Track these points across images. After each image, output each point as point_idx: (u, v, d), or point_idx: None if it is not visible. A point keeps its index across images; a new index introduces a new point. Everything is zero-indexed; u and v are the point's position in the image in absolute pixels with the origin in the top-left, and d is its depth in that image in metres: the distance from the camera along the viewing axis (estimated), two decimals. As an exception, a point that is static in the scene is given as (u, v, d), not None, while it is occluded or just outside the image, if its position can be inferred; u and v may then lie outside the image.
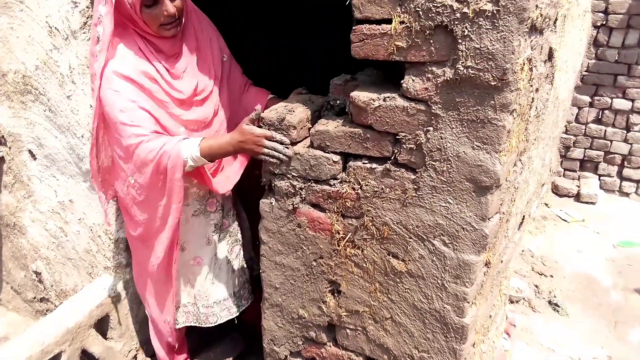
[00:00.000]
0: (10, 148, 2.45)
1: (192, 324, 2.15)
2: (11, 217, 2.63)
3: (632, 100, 4.04)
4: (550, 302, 2.84)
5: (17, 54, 2.15)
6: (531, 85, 1.42)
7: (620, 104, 4.08)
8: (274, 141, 1.56)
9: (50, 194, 2.42)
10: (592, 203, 4.12)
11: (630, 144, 4.16)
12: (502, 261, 1.79)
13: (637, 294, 2.95)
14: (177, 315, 2.12)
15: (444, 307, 1.47)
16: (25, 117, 2.29)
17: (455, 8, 1.18)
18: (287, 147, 1.56)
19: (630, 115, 4.09)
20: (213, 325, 2.15)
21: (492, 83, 1.21)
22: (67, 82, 2.06)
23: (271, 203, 1.66)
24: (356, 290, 1.61)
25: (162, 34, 1.72)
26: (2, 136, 2.44)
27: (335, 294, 1.67)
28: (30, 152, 2.38)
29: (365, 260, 1.56)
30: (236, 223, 2.19)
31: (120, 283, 2.36)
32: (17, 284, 2.83)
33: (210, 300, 2.13)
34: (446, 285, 1.45)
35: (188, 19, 1.83)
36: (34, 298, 2.79)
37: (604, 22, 3.93)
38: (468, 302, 1.44)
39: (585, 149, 4.36)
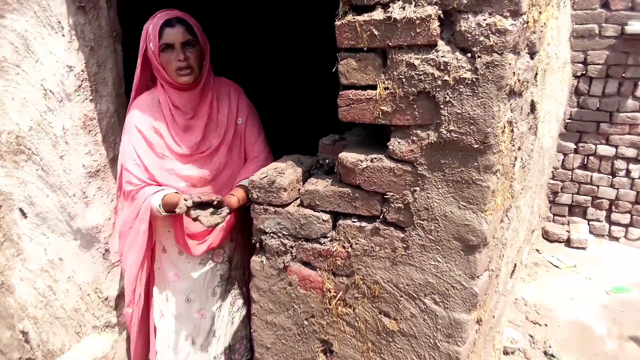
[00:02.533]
0: (1, 206, 2.45)
1: None
2: (-1, 276, 2.60)
3: (616, 147, 4.12)
4: (545, 353, 2.81)
5: (11, 115, 2.18)
6: (513, 145, 1.46)
7: (604, 150, 4.17)
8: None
9: (40, 252, 2.40)
10: (582, 248, 4.13)
11: (617, 188, 4.22)
12: (494, 316, 1.79)
13: (633, 342, 2.93)
14: None
15: (437, 367, 1.46)
16: (17, 176, 2.31)
17: (436, 76, 1.23)
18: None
19: (614, 161, 4.17)
20: None
21: (475, 146, 1.25)
22: (61, 142, 2.09)
23: (262, 261, 1.66)
24: (348, 350, 1.60)
25: (177, 80, 1.87)
26: (-6, 195, 2.45)
27: (328, 354, 1.65)
28: (20, 210, 2.39)
29: (357, 319, 1.55)
30: (242, 275, 2.21)
31: (108, 343, 2.31)
32: (3, 343, 2.77)
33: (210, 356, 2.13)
34: (438, 344, 1.44)
35: (207, 82, 1.98)
36: (20, 358, 2.72)
37: (584, 72, 4.07)
38: (461, 362, 1.43)
39: (573, 194, 4.42)
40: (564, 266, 3.84)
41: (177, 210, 1.74)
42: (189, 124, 1.97)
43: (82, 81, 1.97)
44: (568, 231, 4.29)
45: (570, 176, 4.40)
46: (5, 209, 2.43)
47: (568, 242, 4.21)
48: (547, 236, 4.34)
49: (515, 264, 2.81)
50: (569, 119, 4.26)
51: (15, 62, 2.05)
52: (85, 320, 2.37)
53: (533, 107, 1.89)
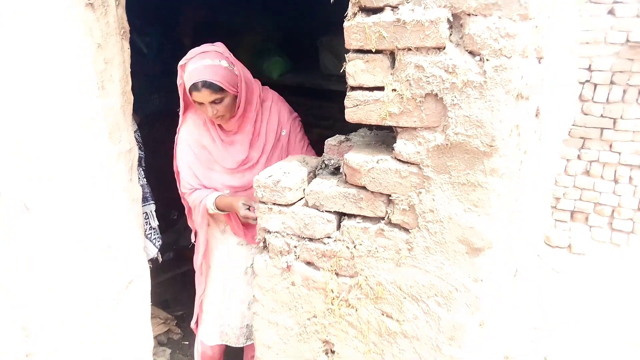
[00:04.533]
0: None
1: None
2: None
3: (619, 153, 4.12)
4: (546, 359, 2.81)
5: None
6: (519, 149, 1.47)
7: (608, 156, 4.17)
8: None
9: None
10: (583, 254, 4.14)
11: (619, 195, 4.22)
12: (496, 320, 1.79)
13: (637, 348, 2.92)
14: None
15: (439, 369, 1.47)
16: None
17: (444, 78, 1.24)
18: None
19: (617, 168, 4.17)
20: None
21: (482, 149, 1.25)
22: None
23: (265, 260, 1.67)
24: (350, 351, 1.60)
25: (214, 120, 2.13)
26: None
27: (329, 354, 1.65)
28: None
29: (360, 320, 1.56)
30: None
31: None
32: None
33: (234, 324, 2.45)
34: (441, 346, 1.45)
35: (247, 107, 2.16)
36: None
37: (589, 79, 4.07)
38: (463, 365, 1.43)
39: (575, 200, 4.42)
40: (565, 273, 3.84)
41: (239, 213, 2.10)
42: (233, 140, 2.20)
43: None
44: (570, 237, 4.29)
45: (572, 182, 4.40)
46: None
47: (569, 249, 4.21)
48: (548, 242, 4.34)
49: (517, 270, 2.81)
50: (572, 125, 4.26)
51: (23, 57, 2.05)
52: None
53: (538, 112, 1.89)
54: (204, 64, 1.98)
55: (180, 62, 2.06)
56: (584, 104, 4.16)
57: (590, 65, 4.03)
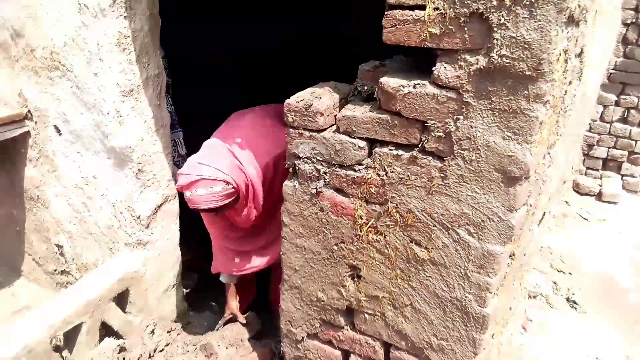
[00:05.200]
0: (36, 123, 2.49)
1: None
2: (35, 191, 2.68)
3: (660, 100, 3.96)
4: (568, 300, 2.82)
5: (46, 29, 2.17)
6: (565, 77, 1.40)
7: (648, 103, 4.00)
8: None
9: (74, 169, 2.45)
10: (613, 203, 4.06)
11: (656, 144, 4.09)
12: (525, 254, 1.77)
13: (657, 296, 2.91)
14: None
15: (466, 297, 1.47)
16: (51, 92, 2.32)
17: (493, -5, 1.16)
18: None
19: (657, 116, 4.01)
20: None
21: (527, 73, 1.19)
22: (95, 59, 2.08)
23: (294, 186, 1.66)
24: (376, 276, 1.61)
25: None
26: (29, 111, 2.48)
27: (355, 279, 1.67)
28: (56, 127, 2.41)
29: (387, 246, 1.56)
30: None
31: (140, 259, 2.39)
32: (39, 256, 2.89)
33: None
34: (469, 274, 1.44)
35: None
36: (55, 270, 2.84)
37: (635, 20, 3.85)
38: (490, 293, 1.43)
39: (608, 148, 4.30)
40: (594, 219, 3.79)
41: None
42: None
43: (118, -5, 1.92)
44: (600, 185, 4.21)
45: (608, 129, 4.27)
46: (40, 125, 2.47)
47: (599, 196, 4.14)
48: (577, 189, 4.26)
49: (544, 213, 2.77)
50: (613, 69, 4.07)
51: (51, -27, 2.01)
52: (118, 237, 2.44)
53: (581, 50, 1.79)
54: (197, 194, 1.93)
55: (178, 183, 1.98)
56: (627, 47, 3.96)
57: (637, 5, 3.80)
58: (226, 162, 1.97)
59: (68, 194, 2.54)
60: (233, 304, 2.51)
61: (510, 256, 1.51)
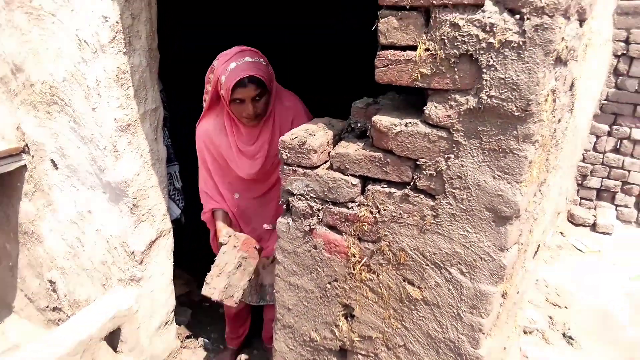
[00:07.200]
0: (33, 157, 2.50)
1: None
2: (29, 225, 2.67)
3: (652, 131, 3.99)
4: (564, 335, 2.78)
5: (46, 65, 2.20)
6: (554, 116, 1.42)
7: (640, 134, 4.04)
8: None
9: (69, 204, 2.45)
10: (608, 233, 4.05)
11: (649, 175, 4.11)
12: (518, 292, 1.77)
13: (655, 329, 2.88)
14: None
15: (459, 337, 1.46)
16: (49, 127, 2.34)
17: (481, 38, 1.19)
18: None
19: (649, 146, 4.04)
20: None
21: (516, 113, 1.21)
22: (93, 94, 2.10)
23: (288, 223, 1.66)
24: (370, 316, 1.60)
25: (244, 122, 2.12)
26: (26, 145, 2.49)
27: (349, 318, 1.65)
28: (52, 161, 2.42)
29: (381, 285, 1.55)
30: None
31: (133, 296, 2.37)
32: (31, 292, 2.86)
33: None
34: (462, 315, 1.43)
35: (271, 113, 2.16)
36: (47, 307, 2.81)
37: (625, 52, 3.91)
38: (483, 334, 1.42)
39: (602, 178, 4.31)
40: (588, 250, 3.78)
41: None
42: (248, 151, 2.19)
43: (116, 33, 1.96)
44: (594, 215, 4.20)
45: (601, 159, 4.29)
46: (37, 160, 2.48)
47: (594, 227, 4.13)
48: (572, 219, 4.26)
49: (539, 245, 2.77)
50: (605, 99, 4.12)
51: (51, 11, 2.05)
52: (112, 273, 2.42)
53: (572, 83, 1.82)
54: (246, 61, 1.99)
55: (214, 63, 2.06)
56: (619, 78, 4.02)
57: (627, 37, 3.87)
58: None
59: (62, 229, 2.53)
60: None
61: (502, 295, 1.50)
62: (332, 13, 4.97)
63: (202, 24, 5.12)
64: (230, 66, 1.98)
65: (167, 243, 2.46)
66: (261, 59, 2.06)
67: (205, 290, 2.03)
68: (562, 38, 1.19)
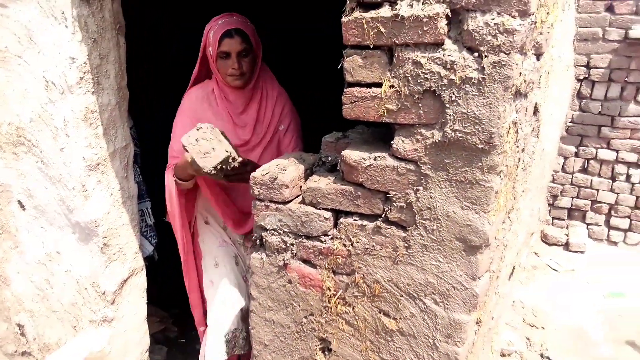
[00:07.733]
0: (-1, 198, 2.44)
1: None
2: (-4, 268, 2.59)
3: (617, 151, 4.12)
4: (542, 356, 2.80)
5: (12, 106, 2.17)
6: (517, 146, 1.46)
7: (605, 154, 4.16)
8: None
9: (37, 245, 2.39)
10: (581, 252, 4.13)
11: (617, 193, 4.22)
12: (492, 318, 1.78)
13: (629, 346, 2.92)
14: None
15: (436, 368, 1.46)
16: (16, 167, 2.29)
17: (442, 75, 1.23)
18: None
19: (615, 165, 4.17)
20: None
21: (480, 146, 1.24)
22: (61, 134, 2.08)
23: (262, 258, 1.66)
24: (347, 349, 1.59)
25: (230, 83, 2.16)
26: (-8, 186, 2.43)
27: (326, 352, 1.64)
28: (19, 202, 2.37)
29: (356, 317, 1.55)
30: None
31: (105, 337, 2.30)
32: (-1, 336, 2.76)
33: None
34: (437, 344, 1.44)
35: (258, 82, 2.24)
36: (15, 351, 2.71)
37: (587, 76, 4.06)
38: (460, 363, 1.42)
39: (572, 197, 4.42)
40: (562, 270, 3.84)
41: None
42: (239, 121, 2.23)
43: (84, 73, 1.95)
44: (567, 235, 4.29)
45: (570, 180, 4.40)
46: (4, 201, 2.42)
47: (567, 246, 4.21)
48: (545, 239, 4.34)
49: (514, 267, 2.80)
50: (570, 122, 4.25)
51: (17, 53, 2.03)
52: (82, 314, 2.36)
53: (536, 109, 1.88)
54: (236, 18, 2.13)
55: (208, 25, 2.15)
56: (582, 101, 4.16)
57: (588, 62, 4.03)
58: None
59: (30, 271, 2.46)
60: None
61: (477, 323, 1.51)
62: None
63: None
64: (219, 22, 2.11)
65: (140, 281, 2.41)
66: (249, 23, 2.17)
67: (185, 139, 1.85)
68: (520, 73, 1.24)
